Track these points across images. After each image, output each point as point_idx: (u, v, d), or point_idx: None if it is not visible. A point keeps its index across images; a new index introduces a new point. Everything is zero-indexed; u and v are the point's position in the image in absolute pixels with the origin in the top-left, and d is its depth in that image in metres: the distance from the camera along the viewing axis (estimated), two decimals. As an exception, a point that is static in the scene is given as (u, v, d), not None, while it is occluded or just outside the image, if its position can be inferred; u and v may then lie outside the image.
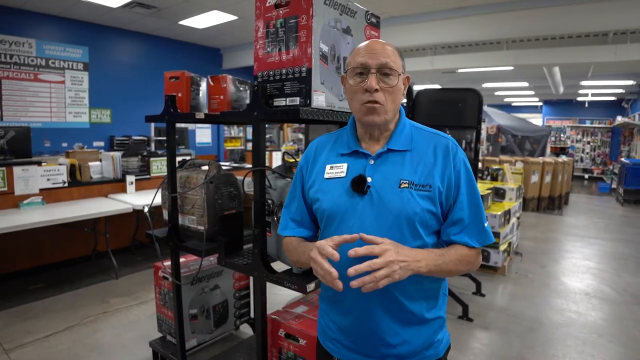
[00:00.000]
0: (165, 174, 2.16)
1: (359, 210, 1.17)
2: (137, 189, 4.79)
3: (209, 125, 9.66)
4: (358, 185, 1.17)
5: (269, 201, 1.66)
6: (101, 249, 4.56)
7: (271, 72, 1.58)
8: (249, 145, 10.50)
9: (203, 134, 9.65)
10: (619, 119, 13.81)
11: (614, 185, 11.55)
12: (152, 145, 5.76)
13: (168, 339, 2.62)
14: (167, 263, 2.52)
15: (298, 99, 1.51)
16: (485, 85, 12.74)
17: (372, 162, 1.21)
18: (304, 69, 1.49)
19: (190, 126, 8.73)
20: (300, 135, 11.57)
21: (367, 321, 1.20)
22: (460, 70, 9.47)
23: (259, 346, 1.78)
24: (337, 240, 1.08)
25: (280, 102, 1.56)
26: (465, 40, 7.40)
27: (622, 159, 10.86)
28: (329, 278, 1.04)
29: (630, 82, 11.62)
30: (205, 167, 2.17)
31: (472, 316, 3.46)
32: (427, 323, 1.23)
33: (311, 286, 1.51)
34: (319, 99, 1.51)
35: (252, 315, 2.86)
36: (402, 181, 1.16)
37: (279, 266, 1.68)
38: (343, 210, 1.19)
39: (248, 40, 9.18)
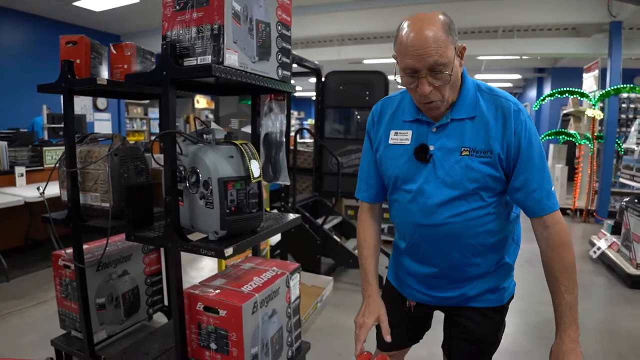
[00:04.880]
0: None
1: (423, 176, 1.24)
2: (29, 181, 4.32)
3: (108, 117, 9.02)
4: (420, 154, 1.23)
5: (181, 168, 1.58)
6: (-14, 249, 4.05)
7: (181, 31, 1.50)
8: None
9: (102, 126, 8.95)
10: (508, 110, 15.21)
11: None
12: (45, 133, 5.23)
13: (73, 334, 2.40)
14: (69, 251, 2.31)
15: (210, 57, 1.44)
16: (391, 77, 13.35)
17: (434, 129, 1.22)
18: (215, 26, 1.43)
19: (88, 117, 8.07)
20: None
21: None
22: (366, 61, 9.81)
23: (177, 323, 1.69)
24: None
25: (190, 61, 1.49)
26: (371, 31, 7.69)
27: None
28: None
29: (517, 77, 12.87)
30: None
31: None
32: (494, 271, 1.33)
33: (229, 251, 1.47)
34: (232, 58, 1.47)
35: (165, 302, 2.71)
36: (463, 149, 1.18)
37: (194, 237, 1.61)
38: (409, 177, 1.27)
39: (151, 27, 8.70)
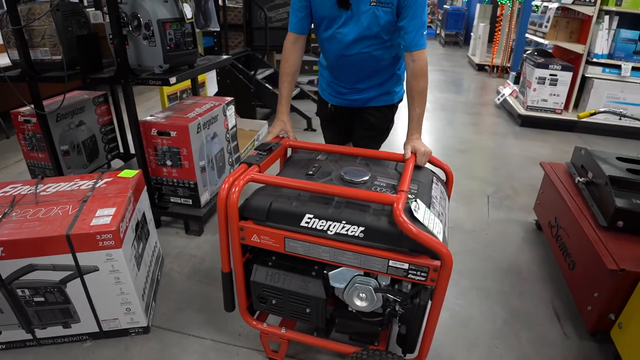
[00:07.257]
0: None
1: (343, 20, 1.62)
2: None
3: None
4: (342, 2, 1.58)
5: (122, 15, 1.86)
6: None
7: None
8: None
9: None
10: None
11: (438, 31, 13.21)
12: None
13: (43, 181, 2.78)
14: (24, 109, 2.58)
15: None
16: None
17: None
18: None
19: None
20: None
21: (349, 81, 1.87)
22: None
23: (137, 147, 2.12)
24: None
25: None
26: None
27: (445, 6, 12.26)
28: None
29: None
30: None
31: (315, 127, 4.34)
32: (389, 78, 1.85)
33: (173, 79, 1.85)
34: None
35: (121, 150, 3.11)
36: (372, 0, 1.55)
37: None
38: (333, 19, 1.63)
39: None
